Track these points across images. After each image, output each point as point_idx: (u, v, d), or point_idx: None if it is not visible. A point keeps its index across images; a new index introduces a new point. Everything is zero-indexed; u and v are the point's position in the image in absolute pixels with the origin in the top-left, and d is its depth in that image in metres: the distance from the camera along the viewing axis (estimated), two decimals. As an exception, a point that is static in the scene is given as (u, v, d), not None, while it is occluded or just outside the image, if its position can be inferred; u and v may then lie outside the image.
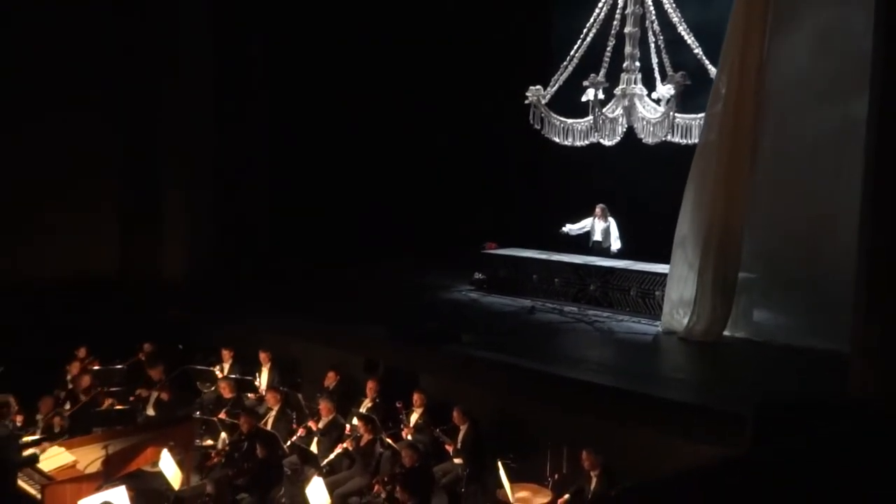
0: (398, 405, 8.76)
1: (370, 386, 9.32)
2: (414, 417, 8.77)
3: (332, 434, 8.80)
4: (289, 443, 8.67)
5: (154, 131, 13.32)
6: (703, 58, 9.89)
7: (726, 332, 9.28)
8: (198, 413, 9.45)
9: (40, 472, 7.37)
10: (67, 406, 9.53)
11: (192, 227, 13.40)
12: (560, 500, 7.22)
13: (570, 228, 12.00)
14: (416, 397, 8.85)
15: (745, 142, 9.02)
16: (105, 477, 7.37)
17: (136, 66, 13.18)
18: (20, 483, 7.26)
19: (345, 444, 8.43)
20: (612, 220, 11.88)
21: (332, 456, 8.40)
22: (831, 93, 8.63)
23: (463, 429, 8.24)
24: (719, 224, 9.08)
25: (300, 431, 8.86)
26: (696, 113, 9.82)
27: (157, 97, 13.28)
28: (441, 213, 14.70)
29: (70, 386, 9.89)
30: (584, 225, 11.98)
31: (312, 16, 14.16)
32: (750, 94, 8.92)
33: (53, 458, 7.59)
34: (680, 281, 9.55)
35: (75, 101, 12.50)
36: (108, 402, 9.61)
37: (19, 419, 8.87)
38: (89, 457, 7.70)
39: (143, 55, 13.17)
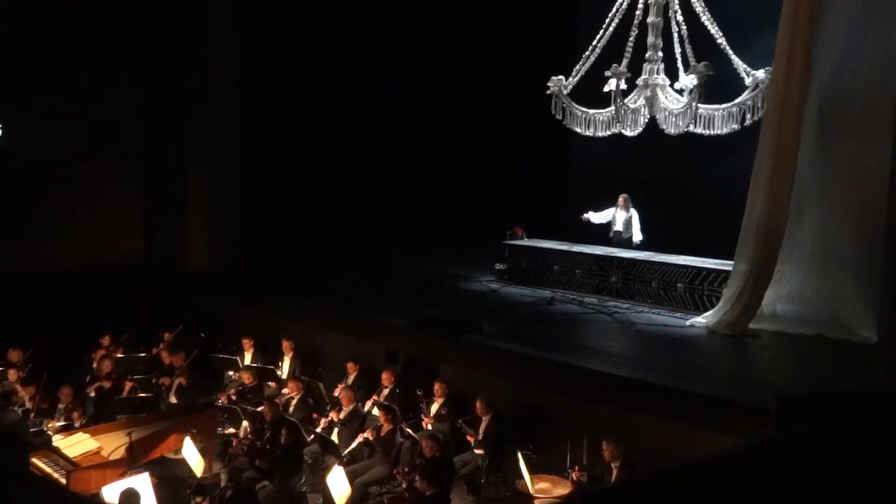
0: (419, 393, 8.77)
1: (385, 376, 9.35)
2: (435, 407, 8.79)
3: (353, 424, 8.85)
4: (313, 433, 8.73)
5: (179, 122, 13.40)
6: (727, 47, 9.78)
7: (752, 325, 9.19)
8: (220, 400, 9.52)
9: (66, 457, 7.47)
10: (92, 394, 9.66)
11: (216, 216, 13.49)
12: (574, 474, 7.18)
13: (591, 216, 11.93)
14: (437, 387, 8.86)
15: (792, 131, 8.85)
16: (129, 463, 7.47)
17: (161, 58, 13.28)
18: (43, 467, 7.35)
19: (365, 434, 8.48)
20: (633, 211, 11.79)
21: (353, 445, 8.45)
22: (868, 80, 8.50)
23: (485, 420, 8.26)
24: (763, 217, 8.96)
25: (322, 422, 8.90)
26: (719, 103, 9.74)
27: (183, 88, 13.36)
28: (464, 204, 14.70)
29: (94, 373, 10.01)
30: (606, 214, 11.91)
31: (336, 5, 14.18)
32: (797, 82, 8.76)
33: (78, 445, 7.69)
34: (736, 273, 9.42)
35: (100, 92, 12.60)
36: (129, 388, 9.72)
37: (43, 405, 9.00)
38: (114, 443, 7.80)
39: (169, 47, 13.26)
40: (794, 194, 8.98)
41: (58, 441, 7.77)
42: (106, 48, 12.71)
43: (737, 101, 9.60)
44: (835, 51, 8.83)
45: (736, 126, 9.61)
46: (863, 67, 8.64)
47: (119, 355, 10.36)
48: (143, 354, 10.51)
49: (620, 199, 11.80)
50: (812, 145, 9.01)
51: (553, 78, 11.04)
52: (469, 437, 8.24)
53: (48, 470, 7.36)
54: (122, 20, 12.92)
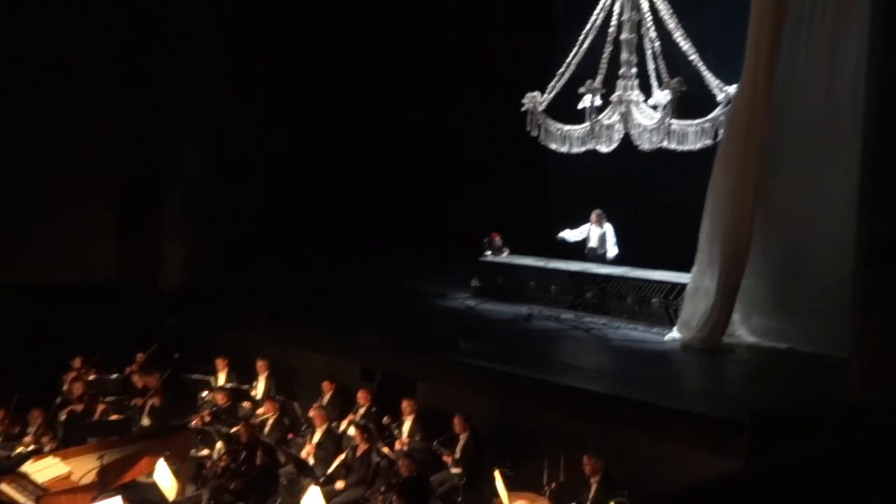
0: (386, 421, 8.70)
1: (361, 395, 9.28)
2: (407, 426, 8.72)
3: (328, 444, 8.75)
4: (289, 454, 8.62)
5: (154, 138, 13.30)
6: (700, 64, 9.88)
7: (726, 339, 9.23)
8: (194, 422, 9.40)
9: (35, 483, 7.32)
10: (63, 417, 9.51)
11: (191, 234, 13.38)
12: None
13: (566, 235, 11.96)
14: (405, 405, 8.78)
15: (756, 145, 8.91)
16: (100, 488, 7.33)
17: (136, 73, 13.17)
18: (12, 493, 7.20)
19: (342, 455, 8.39)
20: (608, 226, 11.82)
21: (331, 469, 8.34)
22: (829, 96, 8.60)
23: (463, 437, 8.20)
24: (731, 229, 9.00)
25: (305, 454, 8.74)
26: (692, 119, 9.82)
27: (158, 102, 13.26)
28: (439, 220, 14.69)
29: (65, 396, 9.85)
30: (581, 231, 11.94)
31: (313, 27, 14.19)
32: (762, 98, 8.83)
33: (48, 469, 7.55)
34: (696, 288, 9.48)
35: (73, 108, 12.47)
36: (101, 410, 9.57)
37: (12, 429, 8.84)
38: (84, 467, 7.65)
39: (144, 61, 13.16)
40: (762, 208, 9.05)
41: (27, 466, 7.62)
42: (79, 64, 12.58)
43: (709, 116, 9.69)
44: (796, 64, 8.92)
45: (709, 141, 9.68)
46: (825, 81, 8.73)
47: (91, 377, 10.21)
48: (114, 376, 10.37)
49: (594, 215, 11.84)
50: (779, 158, 9.08)
51: (528, 94, 11.08)
52: (446, 458, 8.18)
53: (17, 496, 7.22)
54: (96, 37, 12.80)
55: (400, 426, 8.71)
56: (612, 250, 11.73)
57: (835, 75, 8.56)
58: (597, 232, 11.83)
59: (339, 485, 8.15)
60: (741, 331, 9.31)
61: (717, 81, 9.69)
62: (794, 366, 8.55)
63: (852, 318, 6.61)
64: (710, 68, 9.81)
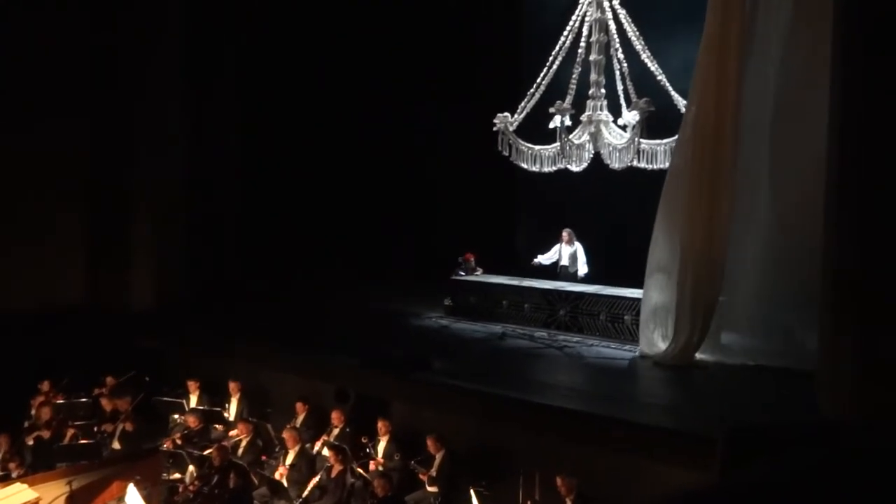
0: (363, 440, 8.68)
1: (335, 415, 9.24)
2: (382, 446, 8.70)
3: (302, 465, 8.69)
4: (262, 476, 8.55)
5: (122, 159, 13.19)
6: (667, 84, 10.06)
7: (697, 355, 9.33)
8: (165, 445, 9.28)
9: (2, 510, 7.19)
10: (30, 442, 9.34)
11: (161, 256, 13.26)
12: None
13: (541, 259, 12.09)
14: (380, 425, 8.77)
15: (725, 165, 9.03)
16: (69, 513, 7.22)
17: (103, 89, 13.07)
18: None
19: (317, 477, 8.34)
20: (578, 245, 11.97)
21: (306, 492, 8.27)
22: (797, 115, 8.74)
23: (439, 456, 8.20)
24: (699, 249, 9.09)
25: (278, 475, 8.65)
26: (661, 139, 9.97)
27: (126, 124, 13.15)
28: (411, 239, 14.72)
29: (33, 421, 9.69)
30: (553, 253, 12.07)
31: (282, 46, 14.21)
32: (727, 118, 8.96)
33: (16, 496, 7.39)
34: (656, 306, 9.59)
35: (40, 128, 12.32)
36: (71, 435, 9.42)
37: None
38: (53, 493, 7.53)
39: (113, 78, 13.07)
40: (734, 223, 9.18)
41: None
42: (47, 81, 12.45)
43: (677, 135, 9.83)
44: (763, 76, 9.08)
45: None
46: (789, 93, 8.90)
47: (59, 401, 10.05)
48: (84, 399, 10.21)
49: (564, 234, 11.98)
50: (746, 176, 9.22)
51: (499, 115, 11.18)
52: (422, 476, 8.16)
53: (-17, 523, 7.07)
54: (61, 50, 12.69)
55: (375, 446, 8.68)
56: (582, 268, 11.87)
57: (809, 88, 8.64)
58: (568, 250, 11.97)
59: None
60: (712, 347, 9.40)
61: (684, 101, 9.84)
62: (766, 381, 8.65)
63: (821, 334, 6.73)
64: (676, 88, 10.00)
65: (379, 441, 8.72)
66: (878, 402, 5.73)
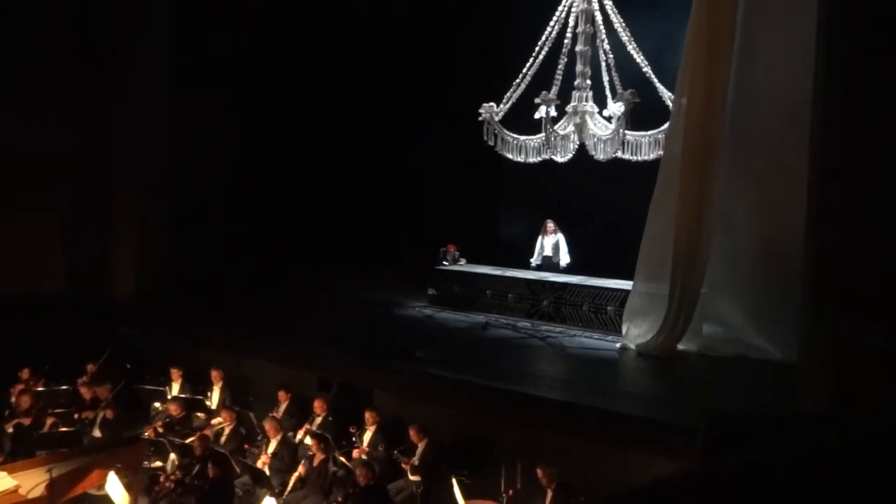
0: (352, 429, 8.68)
1: (318, 404, 9.24)
2: (367, 436, 8.71)
3: (284, 454, 8.68)
4: (244, 464, 8.53)
5: (104, 144, 13.07)
6: (652, 76, 10.08)
7: (680, 346, 9.37)
8: (147, 433, 9.24)
9: (-20, 498, 7.13)
10: (11, 429, 9.28)
11: (143, 241, 13.17)
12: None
13: (535, 260, 12.22)
14: (367, 415, 8.79)
15: (713, 156, 9.04)
16: (49, 502, 7.16)
17: (87, 76, 12.95)
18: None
19: (300, 466, 8.33)
20: (560, 235, 12.04)
21: (292, 482, 8.26)
22: (783, 105, 8.77)
23: (421, 445, 8.22)
24: (686, 240, 9.10)
25: (260, 464, 8.64)
26: (646, 130, 9.98)
27: (110, 114, 13.04)
28: (395, 229, 14.68)
29: (13, 409, 9.62)
30: (539, 247, 12.18)
31: (270, 41, 14.12)
32: (716, 108, 8.96)
33: (-6, 484, 7.34)
34: (642, 295, 9.62)
35: (23, 115, 12.19)
36: (51, 423, 9.36)
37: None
38: (32, 481, 7.45)
39: (97, 68, 12.95)
40: (715, 217, 9.21)
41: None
42: (30, 73, 12.31)
43: (663, 127, 9.85)
44: (746, 74, 9.11)
45: (662, 151, 9.84)
46: (770, 92, 8.93)
47: (39, 388, 9.98)
48: (64, 387, 10.15)
49: (546, 224, 12.03)
50: (730, 167, 9.25)
51: (484, 105, 11.15)
52: (404, 465, 8.18)
53: (-39, 511, 7.02)
54: (44, 42, 12.55)
55: (361, 436, 8.68)
56: (564, 258, 11.96)
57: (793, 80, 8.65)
58: (550, 241, 12.07)
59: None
60: (695, 338, 9.45)
61: (669, 93, 9.87)
62: (747, 372, 8.71)
63: (802, 325, 6.77)
64: (661, 80, 10.01)
65: (366, 431, 8.73)
66: (857, 393, 5.78)
